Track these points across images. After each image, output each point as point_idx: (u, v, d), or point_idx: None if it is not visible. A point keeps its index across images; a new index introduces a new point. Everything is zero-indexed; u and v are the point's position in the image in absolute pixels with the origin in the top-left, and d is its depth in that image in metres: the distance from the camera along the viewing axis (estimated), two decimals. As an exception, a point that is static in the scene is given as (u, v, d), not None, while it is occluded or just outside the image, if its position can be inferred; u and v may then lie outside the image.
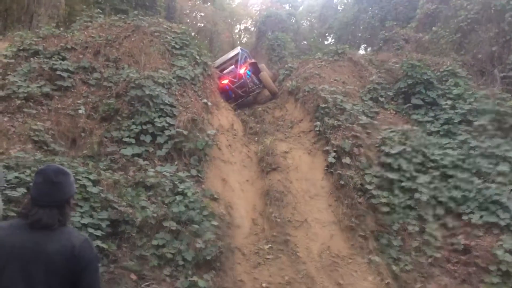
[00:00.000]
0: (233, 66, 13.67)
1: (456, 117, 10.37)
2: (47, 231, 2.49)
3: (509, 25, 12.70)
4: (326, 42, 30.17)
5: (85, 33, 10.51)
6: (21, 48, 9.25)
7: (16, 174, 5.89)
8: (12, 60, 8.92)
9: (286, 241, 7.78)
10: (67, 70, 8.97)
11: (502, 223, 7.85)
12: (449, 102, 10.83)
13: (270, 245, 7.71)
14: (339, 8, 33.72)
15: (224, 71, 13.61)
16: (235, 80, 13.15)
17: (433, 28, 16.59)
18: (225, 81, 12.92)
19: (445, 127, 10.34)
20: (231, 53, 14.60)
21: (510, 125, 10.29)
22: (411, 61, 11.90)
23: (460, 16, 14.86)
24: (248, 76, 13.53)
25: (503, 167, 8.86)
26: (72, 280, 2.44)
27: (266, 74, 13.92)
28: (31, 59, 9.01)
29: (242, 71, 13.33)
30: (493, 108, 10.50)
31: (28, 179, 5.90)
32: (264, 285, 6.86)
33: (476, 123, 10.13)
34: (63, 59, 9.28)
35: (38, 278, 2.37)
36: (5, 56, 9.01)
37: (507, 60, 12.52)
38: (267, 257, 7.45)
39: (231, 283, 6.56)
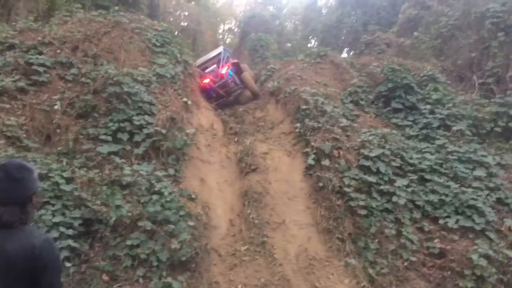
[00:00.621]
0: (215, 66, 13.58)
1: (435, 122, 10.45)
2: (7, 230, 2.38)
3: (489, 32, 12.88)
4: (309, 45, 30.28)
5: (64, 28, 10.28)
6: (-4, 41, 9.01)
7: (-15, 170, 5.70)
8: (-13, 53, 8.69)
9: (263, 243, 7.72)
10: (43, 65, 8.74)
11: (478, 227, 7.94)
12: (428, 106, 10.92)
13: (247, 247, 7.64)
14: (323, 11, 33.93)
15: (206, 70, 13.50)
16: (216, 79, 13.06)
17: (415, 33, 16.78)
18: (207, 81, 12.82)
19: (424, 131, 10.42)
20: (214, 52, 14.50)
21: (487, 131, 10.46)
22: (392, 65, 11.98)
23: (441, 22, 15.07)
24: (230, 76, 13.44)
25: (480, 172, 8.98)
26: (31, 281, 2.34)
27: (248, 74, 13.86)
28: (7, 52, 8.77)
29: (224, 71, 13.24)
30: (471, 114, 10.65)
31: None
32: (239, 287, 6.78)
33: (454, 128, 10.24)
34: (40, 53, 9.06)
35: None
36: (-20, 49, 8.77)
37: (485, 67, 12.69)
38: (244, 258, 7.38)
39: (206, 285, 6.48)
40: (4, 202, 2.39)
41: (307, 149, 9.47)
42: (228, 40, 38.16)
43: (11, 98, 8.00)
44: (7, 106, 7.79)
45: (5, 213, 2.38)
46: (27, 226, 2.50)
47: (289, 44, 29.87)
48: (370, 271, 7.36)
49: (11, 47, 8.97)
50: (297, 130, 10.17)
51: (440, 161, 9.27)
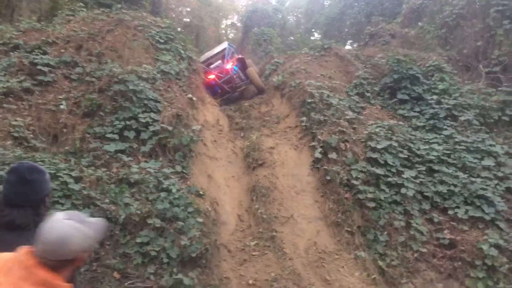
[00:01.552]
0: (219, 61, 13.54)
1: (442, 112, 10.38)
2: (20, 232, 2.37)
3: (494, 21, 12.74)
4: (312, 38, 30.12)
5: (67, 27, 10.31)
6: (0, 42, 9.02)
7: (-6, 171, 5.73)
8: (-9, 55, 8.70)
9: (272, 237, 7.72)
10: (48, 65, 8.77)
11: (487, 217, 7.91)
12: (435, 97, 10.84)
13: (256, 242, 7.65)
14: (325, 3, 33.65)
15: (211, 66, 13.47)
16: (221, 75, 13.03)
17: (419, 23, 16.63)
18: (212, 76, 12.80)
19: (431, 122, 10.35)
20: (218, 48, 14.46)
21: (494, 120, 10.38)
22: (397, 56, 11.90)
23: (446, 11, 14.90)
24: (235, 71, 13.40)
25: (488, 162, 8.93)
26: None
27: (253, 70, 13.81)
28: (11, 53, 8.79)
29: (229, 66, 13.21)
30: (478, 103, 10.57)
31: (7, 176, 5.74)
32: (250, 282, 6.79)
33: (461, 118, 10.17)
34: (44, 53, 9.08)
35: None
36: (-16, 51, 8.79)
37: (492, 55, 12.55)
38: (253, 253, 7.38)
39: (216, 281, 6.48)
40: (17, 205, 2.38)
41: (313, 143, 9.44)
42: (230, 35, 38.02)
43: (17, 99, 8.01)
44: (14, 106, 7.81)
45: (18, 216, 2.37)
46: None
47: (292, 38, 29.76)
48: (380, 263, 7.35)
49: (15, 47, 8.99)
50: (303, 124, 10.14)
51: (448, 152, 9.21)
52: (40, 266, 1.74)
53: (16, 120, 7.42)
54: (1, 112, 7.62)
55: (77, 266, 1.94)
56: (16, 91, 8.04)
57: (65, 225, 1.80)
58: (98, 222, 1.95)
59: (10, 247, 2.31)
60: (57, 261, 1.78)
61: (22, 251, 1.79)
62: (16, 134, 7.20)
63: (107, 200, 6.36)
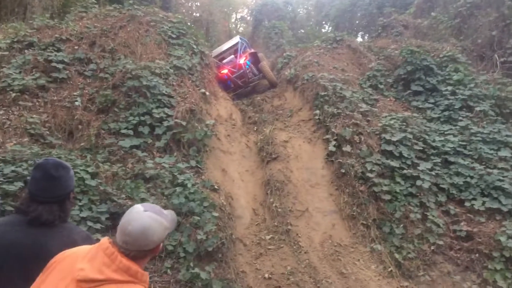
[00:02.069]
0: (232, 56, 13.51)
1: (457, 103, 10.27)
2: (47, 228, 2.40)
3: (509, 9, 12.57)
4: (323, 30, 29.95)
5: (80, 23, 10.35)
6: (15, 40, 9.08)
7: (13, 168, 5.80)
8: (6, 52, 8.76)
9: (288, 231, 7.73)
10: (62, 62, 8.83)
11: (505, 209, 7.82)
12: (449, 88, 10.72)
13: (271, 235, 7.66)
14: (336, -5, 33.40)
15: (223, 61, 13.46)
16: (234, 70, 13.01)
17: (432, 14, 16.44)
18: (224, 71, 12.79)
19: (446, 113, 10.25)
20: (230, 43, 14.41)
21: (511, 110, 10.25)
22: (410, 47, 11.79)
23: (459, 1, 14.74)
24: (247, 66, 13.37)
25: (505, 153, 8.83)
26: None
27: (266, 64, 13.77)
28: (26, 51, 8.85)
29: (242, 61, 13.17)
30: (494, 93, 10.44)
31: (25, 172, 5.81)
32: (266, 275, 6.81)
33: (477, 108, 10.05)
34: (58, 50, 9.13)
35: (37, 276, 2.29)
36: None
37: (507, 45, 12.41)
38: (269, 247, 7.39)
39: (233, 274, 6.50)
40: (43, 201, 2.41)
41: (327, 136, 9.41)
42: (240, 29, 37.97)
43: (32, 96, 8.09)
44: (29, 104, 7.88)
45: (44, 212, 2.39)
46: (66, 223, 2.52)
47: (302, 31, 29.64)
48: (397, 256, 7.31)
49: (30, 45, 9.05)
50: (317, 117, 10.11)
51: (464, 143, 9.12)
52: (122, 255, 1.83)
53: (32, 117, 7.49)
54: (18, 109, 7.71)
55: (154, 255, 2.03)
56: (31, 89, 8.12)
57: (145, 216, 1.88)
58: (171, 214, 2.06)
59: (36, 243, 2.35)
60: (138, 251, 1.87)
61: (104, 241, 1.88)
62: (32, 131, 7.28)
63: (123, 196, 6.40)
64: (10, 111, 7.62)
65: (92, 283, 1.78)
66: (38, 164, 2.49)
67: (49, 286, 1.88)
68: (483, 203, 7.98)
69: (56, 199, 2.44)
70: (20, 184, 5.40)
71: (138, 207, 1.93)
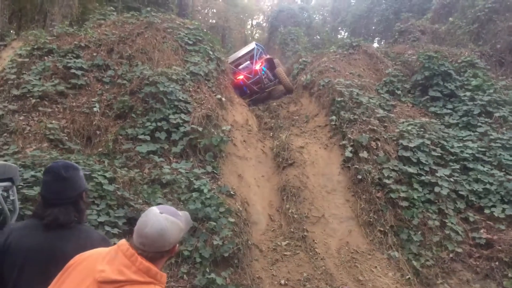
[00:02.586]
0: (248, 62, 13.55)
1: (476, 109, 10.13)
2: (64, 230, 2.42)
3: (529, 14, 12.41)
4: (339, 36, 29.90)
5: (98, 31, 10.50)
6: (35, 47, 9.26)
7: (32, 172, 5.89)
8: (27, 59, 8.94)
9: (304, 237, 7.68)
10: (81, 68, 8.98)
11: (526, 216, 7.68)
12: (468, 93, 10.59)
13: (287, 242, 7.62)
14: (352, 1, 33.37)
15: (239, 67, 13.51)
16: (250, 76, 13.05)
17: (450, 19, 16.30)
18: (240, 77, 12.84)
19: (464, 119, 10.12)
20: (246, 49, 14.46)
21: (531, 116, 10.07)
22: (428, 53, 11.69)
23: (478, 6, 14.59)
24: (263, 72, 13.40)
25: (526, 159, 8.67)
26: None
27: (281, 70, 13.78)
28: (45, 57, 9.02)
29: (257, 67, 13.20)
30: (514, 99, 10.28)
31: (45, 177, 5.89)
32: (282, 282, 6.77)
33: (496, 114, 9.92)
34: (77, 57, 9.28)
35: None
36: (20, 55, 9.04)
37: (526, 50, 12.23)
38: (285, 253, 7.36)
39: (249, 280, 6.48)
40: (57, 204, 2.43)
41: (344, 142, 9.36)
42: (256, 35, 38.13)
43: (52, 102, 8.23)
44: (49, 110, 8.02)
45: (60, 214, 2.41)
46: (82, 225, 2.54)
47: (318, 37, 29.60)
48: (415, 263, 7.21)
49: (49, 52, 9.21)
50: (333, 123, 10.06)
51: (483, 149, 8.99)
52: (141, 257, 1.86)
53: (51, 123, 7.61)
54: (37, 115, 7.84)
55: (170, 256, 2.07)
56: (51, 95, 8.27)
57: (162, 218, 1.90)
58: (185, 215, 2.06)
59: (54, 245, 2.36)
60: (155, 252, 1.89)
61: (123, 242, 1.90)
62: (51, 137, 7.40)
63: (140, 201, 6.45)
64: (30, 117, 7.76)
65: (113, 284, 1.81)
66: (47, 168, 2.52)
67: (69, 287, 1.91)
68: (503, 210, 7.84)
69: (69, 200, 2.46)
70: (39, 188, 5.47)
71: (154, 210, 1.95)
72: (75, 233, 2.44)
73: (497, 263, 7.16)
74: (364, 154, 8.79)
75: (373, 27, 27.23)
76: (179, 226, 1.97)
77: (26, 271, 2.29)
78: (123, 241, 1.93)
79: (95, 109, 8.25)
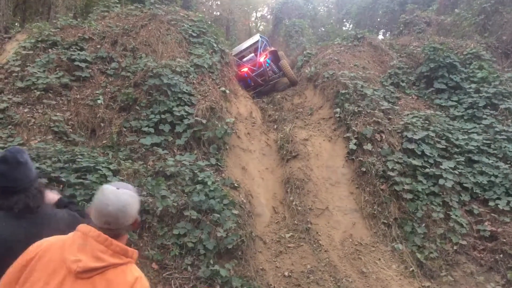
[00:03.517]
0: (252, 54, 13.51)
1: (481, 101, 10.08)
2: (34, 215, 2.40)
3: (535, 5, 12.28)
4: (344, 28, 29.73)
5: (102, 23, 10.49)
6: (39, 39, 9.26)
7: (37, 164, 5.91)
8: (31, 52, 8.95)
9: (308, 229, 7.69)
10: (85, 61, 8.98)
11: (530, 209, 7.65)
12: (473, 85, 10.53)
13: (291, 234, 7.64)
14: (357, -8, 33.10)
15: (243, 59, 13.46)
16: (254, 68, 13.00)
17: (455, 10, 16.15)
18: (245, 69, 12.80)
19: (470, 111, 10.07)
20: (250, 41, 14.40)
21: (537, 108, 10.00)
22: (433, 45, 11.61)
23: (484, -3, 14.43)
24: (267, 64, 13.35)
25: (531, 152, 8.63)
26: None
27: (286, 62, 13.72)
28: (49, 50, 9.02)
29: (262, 59, 13.15)
30: (520, 91, 10.21)
31: (49, 169, 5.92)
32: (286, 273, 6.79)
33: (501, 106, 9.87)
34: (81, 49, 9.28)
35: None
36: (24, 48, 9.04)
37: (533, 42, 12.12)
38: (289, 245, 7.37)
39: (252, 272, 6.50)
40: (20, 190, 2.40)
41: (348, 134, 9.34)
42: (261, 27, 37.95)
43: (56, 94, 8.24)
44: (53, 102, 8.03)
45: (27, 200, 2.38)
46: (47, 207, 2.53)
47: (323, 29, 29.48)
48: (418, 255, 7.21)
49: (54, 44, 9.21)
50: (337, 115, 10.03)
51: (488, 142, 8.96)
52: (111, 238, 1.90)
53: (56, 115, 7.63)
54: (42, 107, 7.86)
55: (134, 229, 2.20)
56: (55, 87, 8.28)
57: (121, 194, 1.95)
58: (131, 186, 2.09)
59: (28, 233, 2.32)
60: (120, 229, 1.95)
61: (88, 229, 1.91)
62: (56, 129, 7.42)
63: (144, 193, 6.46)
64: (34, 109, 7.78)
65: (92, 272, 1.82)
66: (1, 157, 2.44)
67: (38, 283, 1.85)
68: (508, 202, 7.83)
69: (30, 184, 2.44)
70: (44, 180, 5.49)
71: (110, 187, 1.98)
72: (45, 216, 2.43)
73: (501, 255, 7.16)
74: (368, 147, 8.77)
75: (378, 19, 27.00)
76: (137, 198, 2.02)
77: (5, 262, 2.24)
78: (86, 226, 1.92)
79: (99, 101, 8.26)
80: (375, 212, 8.00)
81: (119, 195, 1.94)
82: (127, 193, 1.97)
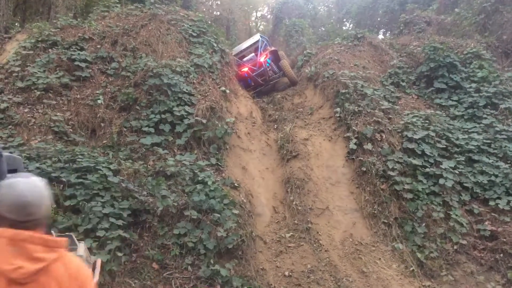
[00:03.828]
0: (253, 54, 13.49)
1: (481, 101, 10.08)
2: None
3: (536, 5, 12.27)
4: (344, 28, 29.70)
5: (102, 23, 10.49)
6: (39, 39, 9.26)
7: (37, 164, 5.93)
8: (31, 52, 8.95)
9: (308, 229, 7.69)
10: (85, 61, 8.98)
11: (530, 208, 7.66)
12: (474, 85, 10.53)
13: (291, 233, 7.64)
14: (357, -8, 33.08)
15: (244, 59, 13.45)
16: (254, 68, 12.98)
17: (456, 10, 16.12)
18: (245, 69, 12.77)
19: (470, 111, 10.07)
20: (251, 41, 14.36)
21: (537, 108, 10.00)
22: (433, 44, 11.61)
23: (484, -3, 14.42)
24: (268, 64, 13.33)
25: (531, 151, 8.63)
26: None
27: (286, 62, 13.69)
28: (50, 50, 9.02)
29: (262, 59, 13.13)
30: (520, 90, 10.21)
31: (50, 169, 5.93)
32: (286, 273, 6.80)
33: (502, 106, 9.88)
34: (81, 49, 9.29)
35: None
36: (24, 48, 9.05)
37: (533, 41, 12.11)
38: (289, 245, 7.38)
39: (253, 272, 6.51)
40: None
41: (348, 134, 9.34)
42: (261, 27, 37.89)
43: (56, 94, 8.25)
44: (53, 102, 8.04)
45: None
46: None
47: (323, 28, 29.45)
48: (419, 255, 7.22)
49: (54, 44, 9.22)
50: (337, 115, 10.02)
51: (488, 141, 8.96)
52: (35, 233, 1.83)
53: (56, 115, 7.64)
54: (42, 107, 7.87)
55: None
56: (55, 87, 8.29)
57: (33, 181, 1.90)
58: (30, 173, 2.01)
59: None
60: (40, 218, 1.89)
61: (14, 233, 1.80)
62: (56, 129, 7.43)
63: (144, 193, 6.47)
64: (34, 109, 7.78)
65: (36, 275, 1.78)
66: None
67: None
68: (508, 202, 7.85)
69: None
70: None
71: (19, 179, 1.89)
72: None
73: (501, 255, 7.18)
74: (368, 146, 8.78)
75: (378, 19, 26.95)
76: (46, 186, 1.95)
77: None
78: (10, 231, 1.81)
79: (99, 101, 8.26)
80: (375, 211, 8.00)
81: (32, 183, 1.88)
82: (36, 179, 1.92)
